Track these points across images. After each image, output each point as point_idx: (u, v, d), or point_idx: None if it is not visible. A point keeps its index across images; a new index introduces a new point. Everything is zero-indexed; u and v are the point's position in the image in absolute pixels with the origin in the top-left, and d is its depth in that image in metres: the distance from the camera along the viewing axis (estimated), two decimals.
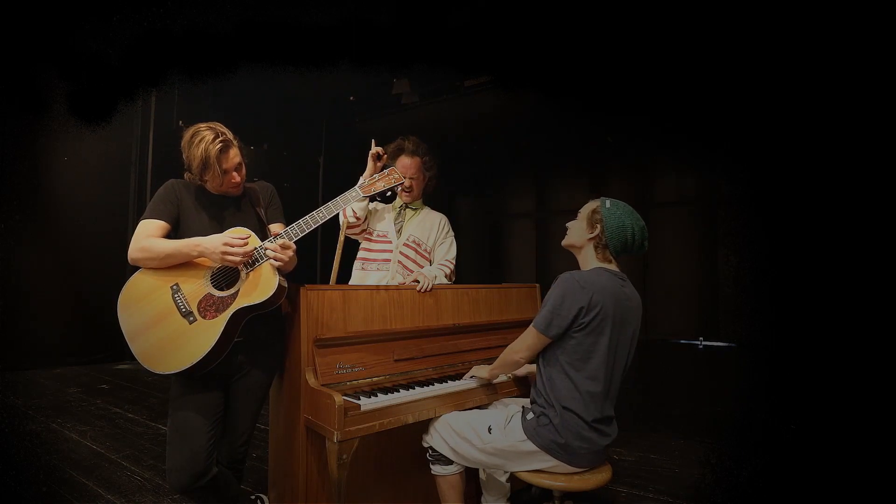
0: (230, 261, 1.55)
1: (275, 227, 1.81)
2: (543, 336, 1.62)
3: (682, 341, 6.82)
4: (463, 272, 2.47)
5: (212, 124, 1.63)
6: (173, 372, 1.53)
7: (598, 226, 1.68)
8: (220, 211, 1.73)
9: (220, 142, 1.59)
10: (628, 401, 4.11)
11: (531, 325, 1.66)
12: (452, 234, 2.53)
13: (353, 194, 1.77)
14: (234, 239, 1.57)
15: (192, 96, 5.83)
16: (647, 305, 7.17)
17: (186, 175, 1.70)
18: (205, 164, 1.59)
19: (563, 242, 1.80)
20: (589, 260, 1.72)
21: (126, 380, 4.71)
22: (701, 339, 6.69)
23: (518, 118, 6.84)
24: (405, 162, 2.40)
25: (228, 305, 1.57)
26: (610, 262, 1.71)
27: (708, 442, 3.13)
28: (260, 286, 1.60)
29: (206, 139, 1.58)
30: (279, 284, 1.60)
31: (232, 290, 1.60)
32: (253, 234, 1.66)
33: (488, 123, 7.02)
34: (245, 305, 1.58)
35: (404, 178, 2.34)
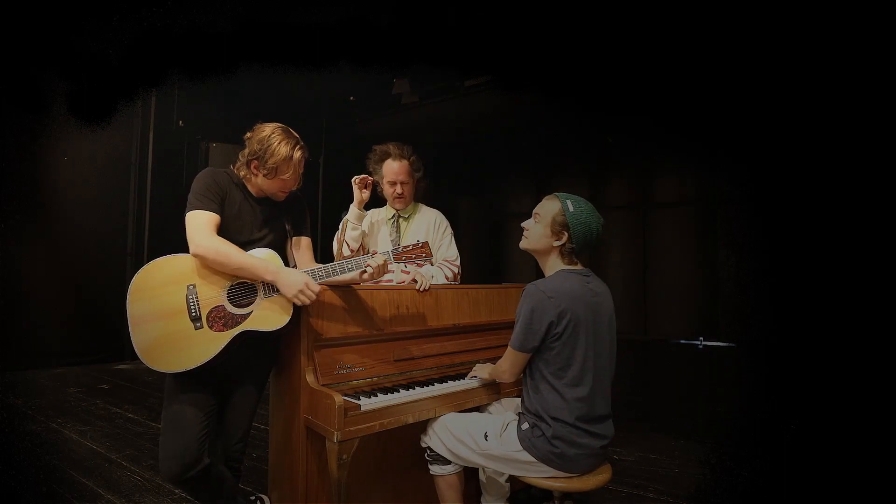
0: (300, 300, 1.59)
1: (299, 241, 1.83)
2: (522, 353, 1.65)
3: (682, 341, 6.83)
4: (463, 272, 2.46)
5: (288, 127, 1.72)
6: (164, 371, 1.53)
7: (565, 233, 1.64)
8: (254, 213, 1.74)
9: (301, 148, 1.70)
10: (628, 401, 4.12)
11: (509, 346, 1.68)
12: (450, 231, 2.48)
13: (386, 257, 1.76)
14: (312, 283, 1.60)
15: (192, 96, 5.82)
16: (648, 305, 7.18)
17: (238, 167, 1.74)
18: (286, 161, 1.65)
19: (524, 246, 1.75)
20: (553, 265, 1.71)
21: (126, 380, 4.71)
22: (701, 339, 6.69)
23: (518, 118, 6.85)
24: (393, 167, 2.33)
25: (238, 324, 1.58)
26: (574, 263, 1.70)
27: (708, 442, 3.13)
28: (274, 315, 1.61)
29: (291, 141, 1.67)
30: (291, 316, 1.63)
31: (245, 311, 1.60)
32: (279, 258, 1.67)
33: (488, 123, 7.02)
34: (253, 329, 1.59)
35: (396, 181, 2.34)
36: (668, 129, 5.86)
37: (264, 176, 1.68)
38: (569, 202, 1.65)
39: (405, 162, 2.35)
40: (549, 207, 1.68)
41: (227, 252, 1.58)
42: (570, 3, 4.10)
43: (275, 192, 1.74)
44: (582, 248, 1.66)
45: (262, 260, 1.62)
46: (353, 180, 2.18)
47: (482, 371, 1.92)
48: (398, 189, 2.34)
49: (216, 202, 1.65)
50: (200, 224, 1.60)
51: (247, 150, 1.70)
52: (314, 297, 1.59)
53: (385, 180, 2.36)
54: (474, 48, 4.63)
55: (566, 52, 4.62)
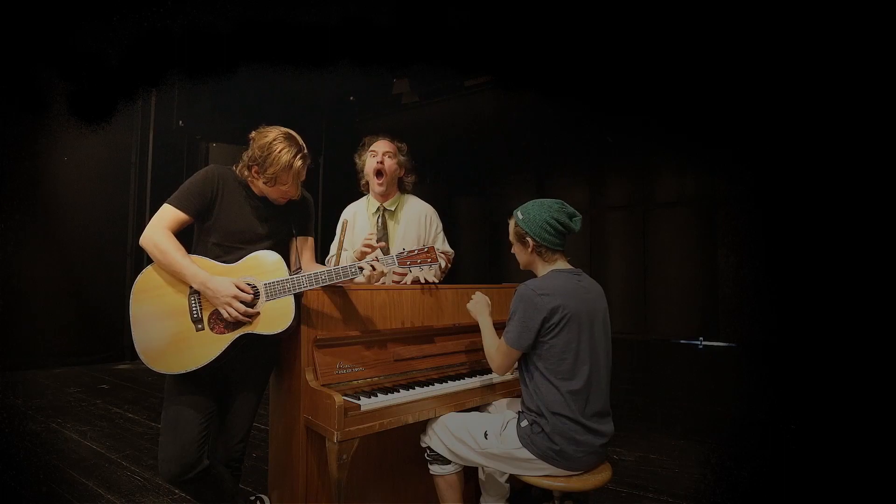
0: (227, 314, 1.54)
1: (301, 241, 1.82)
2: (515, 350, 1.67)
3: (682, 341, 6.83)
4: (463, 272, 2.45)
5: (292, 133, 1.67)
6: (164, 372, 1.53)
7: (528, 238, 1.74)
8: (256, 213, 1.72)
9: (303, 157, 1.65)
10: (628, 401, 4.11)
11: (502, 339, 1.69)
12: (440, 226, 2.42)
13: (390, 261, 1.75)
14: (243, 294, 1.56)
15: (192, 96, 5.83)
16: (648, 305, 7.18)
17: (240, 168, 1.70)
18: (285, 170, 1.62)
19: (522, 267, 1.86)
20: (540, 268, 1.78)
21: (126, 380, 4.71)
22: (701, 339, 6.70)
23: (518, 118, 6.85)
24: (380, 143, 2.31)
25: (239, 326, 1.57)
26: (556, 261, 1.76)
27: (708, 442, 3.13)
28: (276, 319, 1.60)
29: (293, 150, 1.63)
30: (293, 320, 1.62)
31: None
32: (282, 261, 1.65)
33: (488, 123, 7.02)
34: (254, 332, 1.58)
35: (378, 152, 2.29)
36: (668, 129, 5.87)
37: (264, 183, 1.67)
38: (518, 212, 1.78)
39: (388, 141, 2.33)
40: (510, 227, 1.82)
41: (165, 250, 1.56)
42: (569, 3, 4.10)
43: (275, 198, 1.73)
44: (550, 242, 1.72)
45: (194, 267, 1.57)
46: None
47: (481, 308, 1.90)
48: (378, 159, 2.29)
49: (195, 205, 1.64)
50: (160, 218, 1.60)
51: (248, 153, 1.67)
52: (239, 316, 1.54)
53: (370, 156, 2.32)
54: (474, 48, 4.64)
55: (566, 52, 4.62)
